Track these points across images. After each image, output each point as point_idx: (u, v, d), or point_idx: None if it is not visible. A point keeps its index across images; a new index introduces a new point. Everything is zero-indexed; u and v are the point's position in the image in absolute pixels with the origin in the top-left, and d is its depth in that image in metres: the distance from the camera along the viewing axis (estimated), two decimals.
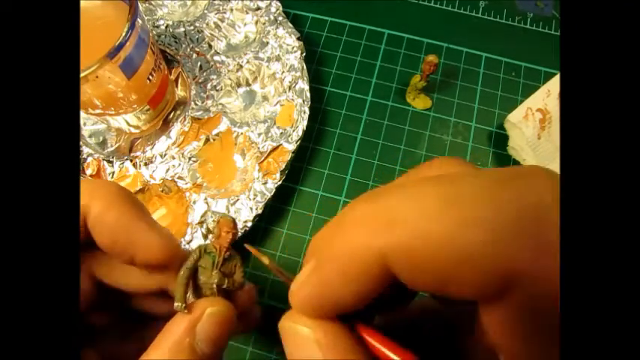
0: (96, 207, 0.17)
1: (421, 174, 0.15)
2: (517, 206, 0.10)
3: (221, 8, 0.40)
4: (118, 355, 0.21)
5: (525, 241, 0.10)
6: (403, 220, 0.11)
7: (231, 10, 0.40)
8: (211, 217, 0.32)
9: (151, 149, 0.35)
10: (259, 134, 0.35)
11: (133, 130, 0.36)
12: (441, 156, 0.15)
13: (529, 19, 0.43)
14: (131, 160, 0.35)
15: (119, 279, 0.20)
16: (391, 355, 0.13)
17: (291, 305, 0.14)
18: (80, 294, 0.19)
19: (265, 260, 0.17)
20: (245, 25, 0.40)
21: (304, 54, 0.38)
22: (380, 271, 0.12)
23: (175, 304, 0.17)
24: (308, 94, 0.36)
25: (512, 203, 0.10)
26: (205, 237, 0.32)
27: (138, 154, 0.35)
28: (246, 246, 0.18)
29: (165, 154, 0.35)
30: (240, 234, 0.32)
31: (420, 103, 0.39)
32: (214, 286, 0.18)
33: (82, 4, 0.29)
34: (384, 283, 0.12)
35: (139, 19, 0.28)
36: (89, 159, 0.35)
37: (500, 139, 0.37)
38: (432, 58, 0.34)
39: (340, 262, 0.13)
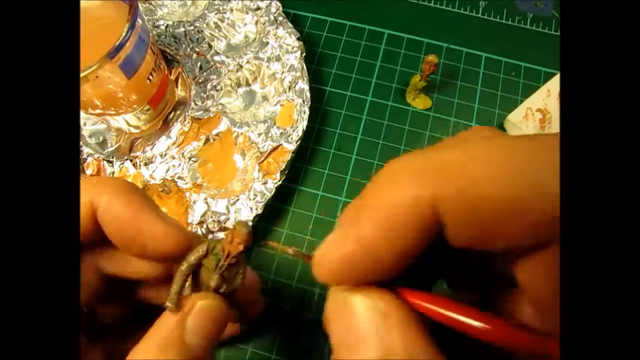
0: (104, 199, 0.17)
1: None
2: None
3: (221, 8, 0.40)
4: (127, 354, 0.21)
5: None
6: (455, 166, 0.11)
7: (231, 10, 0.40)
8: (211, 217, 0.32)
9: (151, 149, 0.35)
10: (259, 134, 0.35)
11: (133, 130, 0.36)
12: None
13: (529, 19, 0.43)
14: (131, 160, 0.35)
15: (125, 267, 0.20)
16: (470, 321, 0.11)
17: (317, 275, 0.13)
18: (84, 287, 0.19)
19: (290, 251, 0.17)
20: (245, 25, 0.40)
21: (304, 54, 0.38)
22: (429, 221, 0.11)
23: (167, 303, 0.17)
24: (308, 94, 0.36)
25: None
26: (205, 237, 0.32)
27: (138, 154, 0.35)
28: (272, 244, 0.18)
29: (165, 154, 0.35)
30: None
31: (420, 103, 0.39)
32: (211, 287, 0.18)
33: (82, 4, 0.29)
34: (429, 238, 0.12)
35: (139, 19, 0.28)
36: (89, 159, 0.35)
37: None
38: (432, 58, 0.34)
39: (384, 214, 0.12)
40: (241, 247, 0.18)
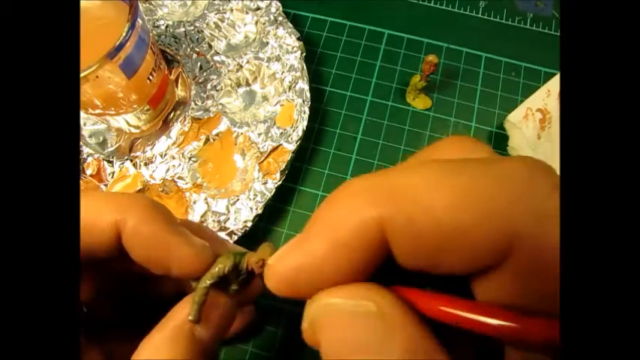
0: (131, 221, 0.17)
1: (430, 157, 0.15)
2: (516, 178, 0.11)
3: (221, 8, 0.40)
4: (127, 357, 0.21)
5: (524, 206, 0.11)
6: (404, 190, 0.11)
7: (231, 10, 0.40)
8: (211, 217, 0.32)
9: (151, 149, 0.35)
10: (259, 134, 0.35)
11: (133, 130, 0.36)
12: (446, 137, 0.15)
13: (529, 19, 0.43)
14: (131, 160, 0.35)
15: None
16: (485, 319, 0.10)
17: (267, 285, 0.14)
18: (85, 284, 0.19)
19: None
20: (245, 25, 0.40)
21: (304, 54, 0.38)
22: (375, 242, 0.12)
23: (189, 317, 0.17)
24: (308, 94, 0.36)
25: (513, 176, 0.11)
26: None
27: (138, 154, 0.35)
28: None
29: (165, 154, 0.35)
30: (240, 234, 0.32)
31: (420, 103, 0.39)
32: (228, 293, 0.19)
33: (82, 4, 0.29)
34: (376, 259, 0.12)
35: (139, 19, 0.28)
36: (89, 159, 0.35)
37: (500, 139, 0.37)
38: (432, 58, 0.34)
39: (332, 230, 0.12)
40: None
